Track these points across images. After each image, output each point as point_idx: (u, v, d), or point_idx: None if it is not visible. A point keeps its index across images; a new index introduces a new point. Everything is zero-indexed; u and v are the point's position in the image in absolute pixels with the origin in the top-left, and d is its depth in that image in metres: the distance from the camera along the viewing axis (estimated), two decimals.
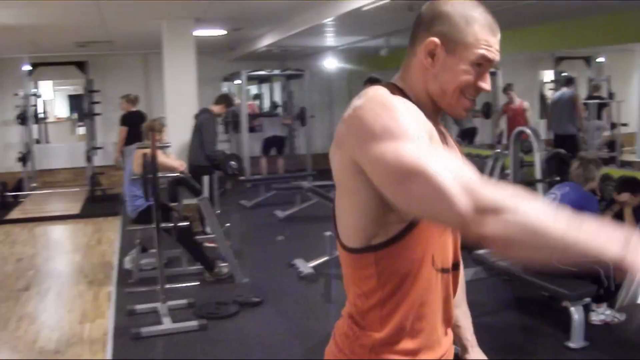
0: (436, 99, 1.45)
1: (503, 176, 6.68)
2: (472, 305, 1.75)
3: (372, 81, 8.58)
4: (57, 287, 5.96)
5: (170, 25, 8.00)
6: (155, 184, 4.90)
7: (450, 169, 1.17)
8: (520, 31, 8.05)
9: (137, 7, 6.89)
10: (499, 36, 1.43)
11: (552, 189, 4.68)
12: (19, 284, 6.04)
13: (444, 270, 1.48)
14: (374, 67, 11.52)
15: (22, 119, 10.83)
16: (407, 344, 1.44)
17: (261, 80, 14.17)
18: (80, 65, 11.38)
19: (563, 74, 9.29)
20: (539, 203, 1.14)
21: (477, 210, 1.12)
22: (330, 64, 12.33)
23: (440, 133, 1.48)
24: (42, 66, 11.28)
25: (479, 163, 7.88)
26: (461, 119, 2.05)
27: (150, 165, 4.90)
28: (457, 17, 1.40)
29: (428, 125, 1.36)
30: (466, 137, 9.98)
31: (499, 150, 7.22)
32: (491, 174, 7.05)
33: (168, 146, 5.85)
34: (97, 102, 11.50)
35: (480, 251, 5.05)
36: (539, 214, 1.11)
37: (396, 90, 1.44)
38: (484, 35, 1.40)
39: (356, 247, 1.42)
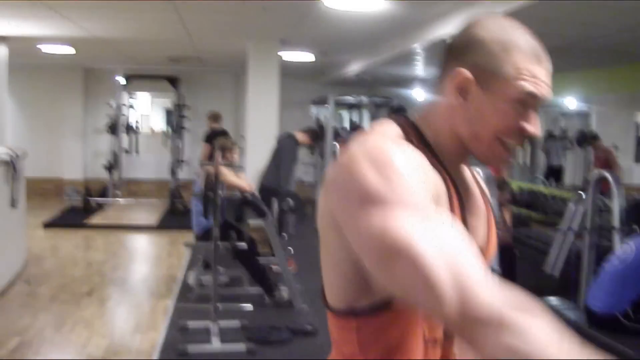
0: (468, 145, 1.20)
1: (583, 222, 6.33)
2: None
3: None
4: (118, 296, 6.02)
5: (256, 46, 8.07)
6: (215, 203, 4.87)
7: (446, 253, 0.95)
8: (613, 71, 7.69)
9: (222, 25, 7.00)
10: (548, 66, 1.16)
11: (627, 238, 4.38)
12: (82, 288, 6.14)
13: (434, 342, 1.22)
14: None
15: (112, 128, 11.15)
16: None
17: (351, 106, 14.14)
18: (172, 80, 11.68)
19: None
20: (544, 324, 0.93)
21: (467, 315, 0.93)
22: (418, 94, 12.16)
23: (462, 183, 1.25)
24: (136, 78, 11.64)
25: (561, 206, 7.53)
26: (497, 167, 1.78)
27: (212, 184, 4.88)
28: (492, 43, 1.14)
29: (434, 182, 1.12)
30: (552, 176, 9.54)
31: (581, 194, 6.86)
32: (572, 219, 6.70)
33: (232, 165, 5.83)
34: (186, 117, 11.78)
35: (547, 299, 4.79)
36: (539, 341, 0.91)
37: (411, 130, 1.21)
38: (527, 65, 1.13)
39: (337, 308, 1.21)
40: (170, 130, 12.21)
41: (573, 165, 9.88)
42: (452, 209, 1.15)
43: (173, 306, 5.63)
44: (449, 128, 1.20)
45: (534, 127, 1.16)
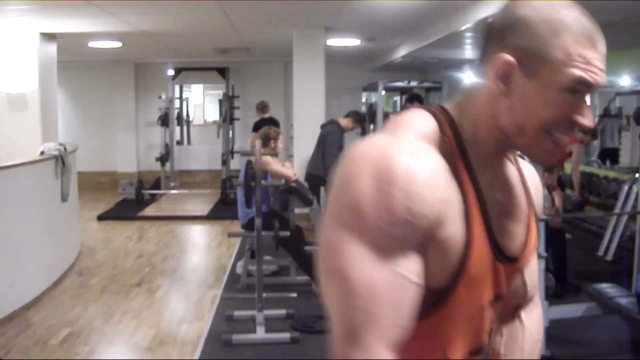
0: (511, 137, 1.08)
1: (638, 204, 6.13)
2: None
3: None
4: (166, 286, 6.09)
5: (301, 34, 8.03)
6: (256, 192, 4.87)
7: (372, 310, 0.96)
8: None
9: (265, 15, 6.98)
10: (603, 49, 1.02)
11: None
12: (132, 279, 6.25)
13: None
14: None
15: (164, 120, 11.30)
16: None
17: (402, 91, 14.00)
18: (222, 71, 11.77)
19: None
20: None
21: None
22: (469, 77, 11.93)
23: (498, 185, 1.16)
24: (185, 71, 11.76)
25: (616, 188, 7.33)
26: (543, 165, 1.63)
27: (254, 173, 4.88)
28: (539, 23, 1.01)
29: (444, 197, 1.02)
30: (607, 158, 9.24)
31: (637, 176, 6.64)
32: (625, 200, 6.50)
33: (275, 154, 5.81)
34: (236, 107, 11.86)
35: (598, 285, 4.64)
36: None
37: (445, 119, 1.11)
38: (579, 49, 0.99)
39: None
40: (222, 120, 12.30)
41: (630, 146, 9.56)
42: (468, 221, 1.06)
43: (220, 296, 5.67)
44: (490, 119, 1.09)
45: (587, 118, 1.04)
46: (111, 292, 5.86)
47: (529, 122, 1.04)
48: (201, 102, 17.22)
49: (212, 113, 17.57)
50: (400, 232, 0.97)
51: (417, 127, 1.08)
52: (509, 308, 1.37)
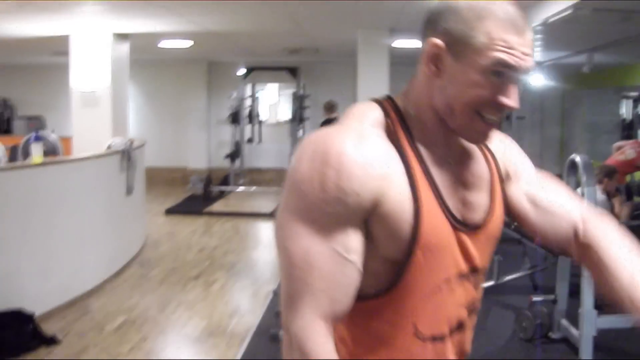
0: (445, 118, 1.16)
1: None
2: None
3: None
4: (223, 280, 6.25)
5: (365, 35, 8.08)
6: None
7: (310, 281, 1.08)
8: None
9: (329, 16, 7.05)
10: (528, 36, 1.09)
11: None
12: (191, 272, 6.44)
13: (435, 339, 1.21)
14: (576, 85, 11.11)
15: (234, 119, 11.53)
16: None
17: None
18: (293, 71, 11.92)
19: None
20: None
21: (285, 330, 1.11)
22: (535, 79, 11.69)
23: (451, 159, 1.21)
24: (257, 70, 11.97)
25: None
26: (476, 144, 1.60)
27: None
28: (466, 10, 1.09)
29: (385, 176, 1.10)
30: None
31: None
32: None
33: None
34: (307, 107, 11.98)
35: None
36: None
37: (390, 106, 1.21)
38: (503, 34, 1.06)
39: None
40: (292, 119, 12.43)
41: None
42: (415, 193, 1.13)
43: (274, 291, 5.77)
44: (428, 100, 1.17)
45: (511, 99, 1.10)
46: (169, 283, 6.06)
47: (457, 102, 1.12)
48: (275, 101, 17.40)
49: (286, 112, 17.75)
50: (335, 209, 1.07)
51: (362, 115, 1.19)
52: (573, 247, 1.35)
